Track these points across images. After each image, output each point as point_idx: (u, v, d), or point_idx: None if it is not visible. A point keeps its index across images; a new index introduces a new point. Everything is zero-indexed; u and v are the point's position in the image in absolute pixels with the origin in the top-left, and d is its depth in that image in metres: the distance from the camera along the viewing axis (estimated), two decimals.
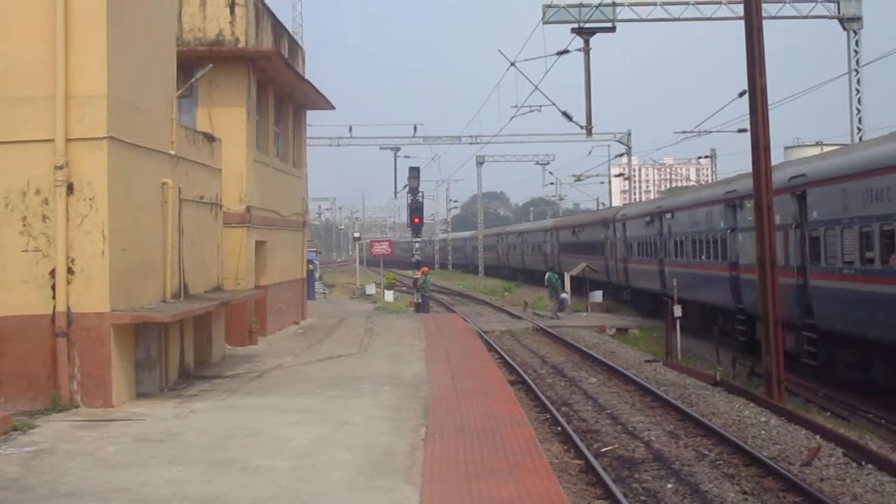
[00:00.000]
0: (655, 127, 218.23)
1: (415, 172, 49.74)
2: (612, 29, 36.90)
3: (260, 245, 28.65)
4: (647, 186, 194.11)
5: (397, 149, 74.82)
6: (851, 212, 21.34)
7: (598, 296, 49.17)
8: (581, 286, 53.04)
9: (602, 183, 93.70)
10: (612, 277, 51.54)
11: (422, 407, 16.77)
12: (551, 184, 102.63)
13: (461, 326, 35.40)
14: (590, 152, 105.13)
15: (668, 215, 39.56)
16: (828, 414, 20.61)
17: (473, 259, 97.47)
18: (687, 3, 38.63)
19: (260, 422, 15.39)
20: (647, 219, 42.88)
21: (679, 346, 29.58)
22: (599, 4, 36.13)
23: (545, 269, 61.22)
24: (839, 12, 39.30)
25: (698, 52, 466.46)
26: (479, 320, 44.80)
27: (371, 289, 59.44)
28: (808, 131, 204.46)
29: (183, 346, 20.29)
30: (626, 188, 79.02)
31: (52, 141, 16.20)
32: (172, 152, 19.52)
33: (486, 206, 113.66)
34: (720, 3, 38.32)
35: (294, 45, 34.88)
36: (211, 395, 18.19)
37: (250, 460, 12.66)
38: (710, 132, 58.03)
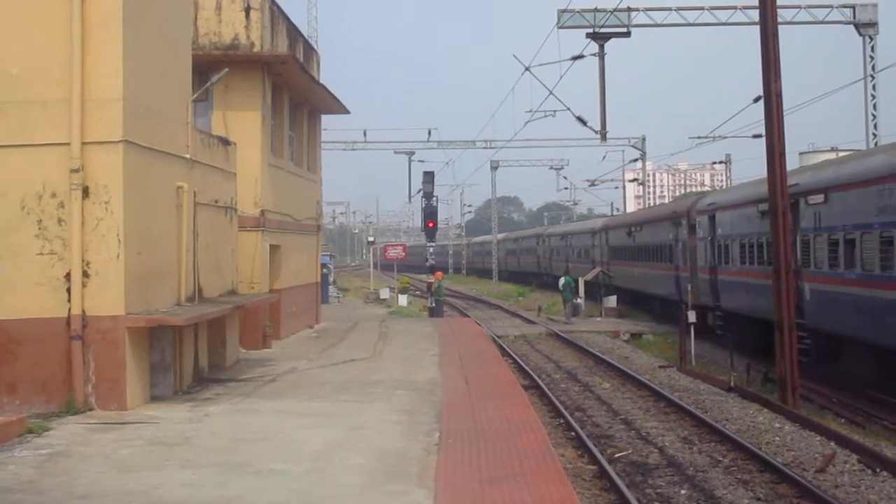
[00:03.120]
0: (670, 132, 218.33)
1: (429, 177, 49.59)
2: (627, 34, 36.81)
3: (274, 249, 28.69)
4: (662, 192, 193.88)
5: (412, 153, 74.88)
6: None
7: (612, 301, 49.06)
8: (595, 291, 52.89)
9: (616, 188, 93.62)
10: (683, 293, 37.90)
11: (435, 411, 16.76)
12: (565, 188, 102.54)
13: (475, 331, 35.37)
14: (604, 157, 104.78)
15: (818, 198, 24.84)
16: (842, 420, 20.52)
17: (509, 264, 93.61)
18: (702, 9, 38.53)
19: (273, 425, 15.41)
20: (762, 208, 27.39)
21: (693, 351, 29.50)
22: (614, 9, 36.08)
23: (593, 280, 55.20)
24: (855, 17, 39.20)
25: (713, 57, 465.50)
26: (493, 325, 44.77)
27: (385, 293, 59.47)
28: (826, 136, 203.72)
29: (197, 350, 20.32)
30: (641, 193, 78.66)
31: (67, 144, 16.24)
32: (188, 156, 19.56)
33: (500, 210, 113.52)
34: (735, 8, 38.23)
35: (309, 50, 34.95)
36: (225, 398, 18.22)
37: (264, 464, 12.67)
38: (725, 137, 57.79)
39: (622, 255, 52.27)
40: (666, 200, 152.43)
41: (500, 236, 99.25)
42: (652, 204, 78.14)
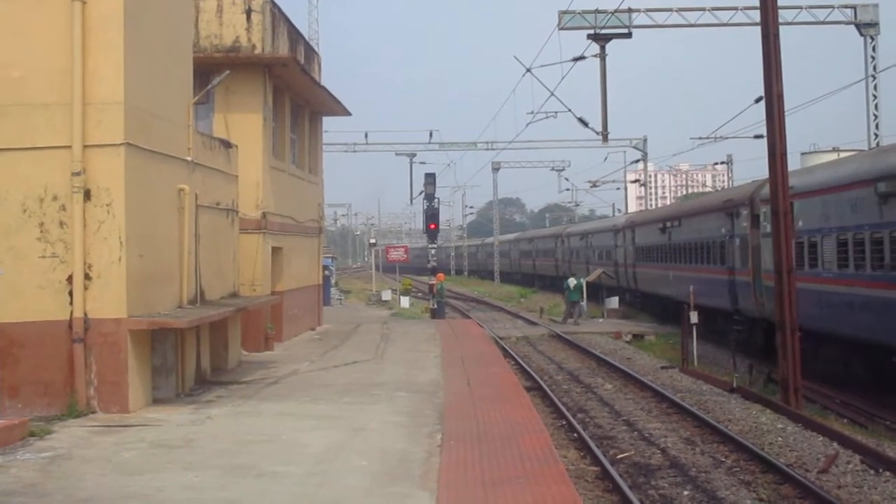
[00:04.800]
0: (671, 133, 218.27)
1: (430, 178, 49.62)
2: (628, 35, 36.85)
3: (276, 251, 28.70)
4: (664, 192, 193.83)
5: (413, 155, 75.02)
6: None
7: (613, 302, 49.04)
8: (597, 292, 52.85)
9: (618, 189, 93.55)
10: (742, 302, 30.94)
11: (437, 413, 16.76)
12: (567, 190, 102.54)
13: (477, 332, 35.37)
14: (605, 158, 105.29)
15: None
16: (845, 421, 20.50)
17: (524, 266, 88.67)
18: (703, 9, 38.53)
19: (276, 428, 15.41)
20: (883, 189, 20.84)
21: (695, 352, 29.48)
22: (615, 10, 36.08)
23: (616, 284, 52.73)
24: (856, 18, 39.19)
25: (714, 58, 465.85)
26: (495, 326, 44.75)
27: (387, 295, 59.47)
28: (828, 136, 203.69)
29: (199, 352, 20.33)
30: (642, 194, 78.64)
31: (69, 147, 16.26)
32: (189, 158, 19.58)
33: (501, 212, 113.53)
34: (736, 8, 38.21)
35: (310, 52, 34.96)
36: (227, 400, 18.22)
37: (266, 466, 12.67)
38: (727, 138, 57.75)
39: (652, 255, 45.47)
40: (668, 202, 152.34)
41: (511, 236, 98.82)
42: (655, 205, 77.86)
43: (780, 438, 17.95)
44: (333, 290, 56.52)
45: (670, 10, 38.59)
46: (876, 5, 39.38)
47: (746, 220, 30.57)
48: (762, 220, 28.19)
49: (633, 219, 53.73)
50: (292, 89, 30.33)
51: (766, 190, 26.26)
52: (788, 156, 21.50)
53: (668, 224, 42.16)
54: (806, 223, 25.16)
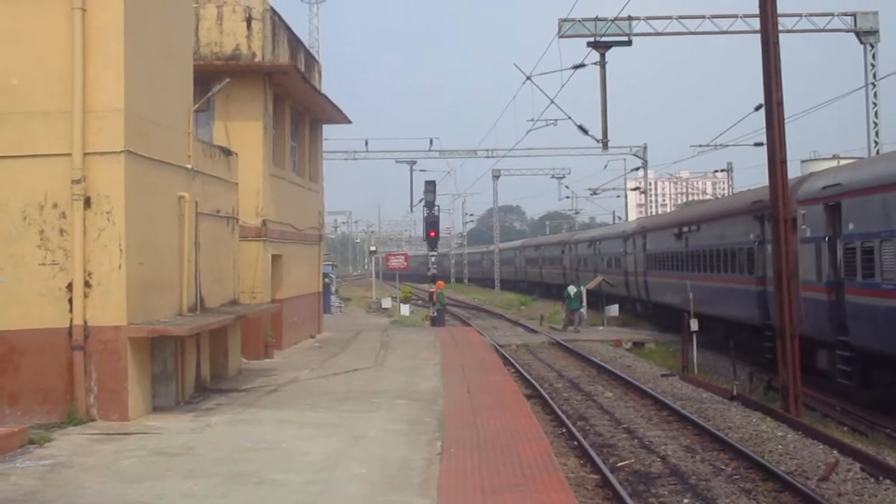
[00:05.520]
0: (672, 140, 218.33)
1: (431, 186, 49.68)
2: (628, 43, 36.91)
3: (276, 259, 28.70)
4: (664, 200, 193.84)
5: (413, 162, 75.13)
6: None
7: (614, 310, 49.03)
8: (597, 300, 52.81)
9: (618, 197, 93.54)
10: (811, 321, 24.46)
11: (437, 421, 16.74)
12: (567, 197, 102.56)
13: (477, 340, 35.36)
14: (605, 166, 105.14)
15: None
16: (845, 428, 20.50)
17: (530, 274, 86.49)
18: (703, 17, 38.61)
19: (276, 436, 15.39)
20: None
21: (695, 360, 29.46)
22: (615, 18, 36.15)
23: (626, 293, 50.69)
24: (856, 26, 39.24)
25: (714, 66, 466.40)
26: (495, 334, 44.73)
27: (387, 302, 59.46)
28: (827, 144, 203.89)
29: (199, 360, 20.31)
30: (643, 202, 78.62)
31: (69, 155, 16.25)
32: (189, 166, 19.58)
33: (501, 219, 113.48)
34: (736, 16, 38.28)
35: (310, 60, 34.99)
36: (227, 408, 18.20)
37: (266, 474, 12.65)
38: (727, 146, 57.88)
39: (666, 263, 42.07)
40: (668, 209, 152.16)
41: (517, 243, 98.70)
42: (655, 212, 77.63)
43: (780, 446, 17.94)
44: (333, 298, 56.53)
45: (670, 17, 38.65)
46: (875, 13, 39.46)
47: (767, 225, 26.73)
48: (800, 224, 25.03)
49: (645, 224, 50.44)
50: (293, 97, 30.35)
51: (807, 187, 25.02)
52: (788, 163, 21.53)
53: (686, 229, 38.62)
54: (859, 226, 22.00)
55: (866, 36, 39.16)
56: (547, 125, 49.03)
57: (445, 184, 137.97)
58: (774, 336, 22.32)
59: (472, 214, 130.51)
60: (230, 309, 22.12)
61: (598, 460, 16.59)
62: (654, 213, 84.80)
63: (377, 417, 17.12)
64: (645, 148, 73.64)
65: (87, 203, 16.34)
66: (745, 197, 33.88)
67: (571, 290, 46.81)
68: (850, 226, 22.43)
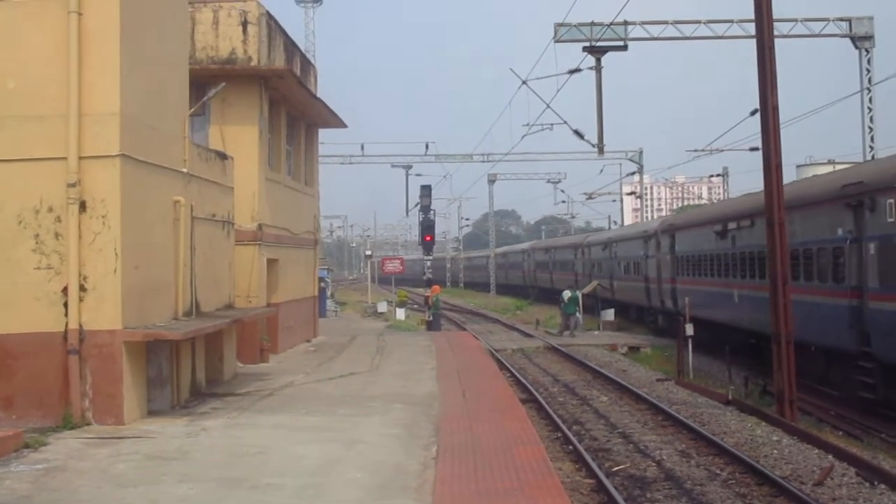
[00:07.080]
0: (667, 145, 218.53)
1: (426, 190, 49.76)
2: (624, 47, 36.96)
3: (272, 263, 28.69)
4: (660, 205, 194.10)
5: (409, 167, 75.17)
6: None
7: (609, 314, 49.04)
8: (593, 304, 52.82)
9: (614, 201, 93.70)
10: (879, 341, 20.63)
11: (433, 425, 16.74)
12: (563, 202, 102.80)
13: (472, 344, 35.36)
14: (601, 170, 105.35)
15: None
16: (840, 433, 20.51)
17: (540, 279, 79.91)
18: (698, 22, 38.68)
19: (271, 440, 15.38)
20: None
21: (691, 364, 29.47)
22: (611, 23, 36.18)
23: (646, 303, 46.11)
24: (851, 31, 39.34)
25: (710, 71, 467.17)
26: (491, 338, 44.71)
27: (383, 306, 59.48)
28: (823, 149, 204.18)
29: (194, 364, 20.30)
30: (638, 206, 78.71)
31: (64, 159, 16.24)
32: (185, 170, 19.58)
33: (497, 223, 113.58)
34: (732, 21, 38.35)
35: (306, 64, 34.99)
36: (222, 412, 18.19)
37: (261, 478, 12.64)
38: (722, 150, 57.86)
39: (703, 268, 34.98)
40: (664, 214, 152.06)
41: (524, 245, 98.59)
42: (651, 218, 77.34)
43: (775, 451, 17.94)
44: (329, 302, 56.58)
45: (666, 22, 38.72)
46: (871, 18, 39.55)
47: (880, 217, 20.69)
48: None
49: (673, 221, 44.04)
50: (288, 101, 30.36)
51: None
52: (784, 168, 21.57)
53: (733, 225, 31.11)
54: None
55: (861, 41, 39.27)
56: (543, 130, 48.95)
57: (441, 188, 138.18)
58: (876, 370, 19.47)
59: (467, 219, 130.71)
60: (225, 313, 22.12)
61: (594, 465, 16.58)
62: (650, 219, 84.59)
63: (373, 422, 17.11)
64: (640, 152, 73.81)
65: (83, 207, 16.32)
66: (830, 180, 25.22)
67: (567, 294, 46.81)
68: None
